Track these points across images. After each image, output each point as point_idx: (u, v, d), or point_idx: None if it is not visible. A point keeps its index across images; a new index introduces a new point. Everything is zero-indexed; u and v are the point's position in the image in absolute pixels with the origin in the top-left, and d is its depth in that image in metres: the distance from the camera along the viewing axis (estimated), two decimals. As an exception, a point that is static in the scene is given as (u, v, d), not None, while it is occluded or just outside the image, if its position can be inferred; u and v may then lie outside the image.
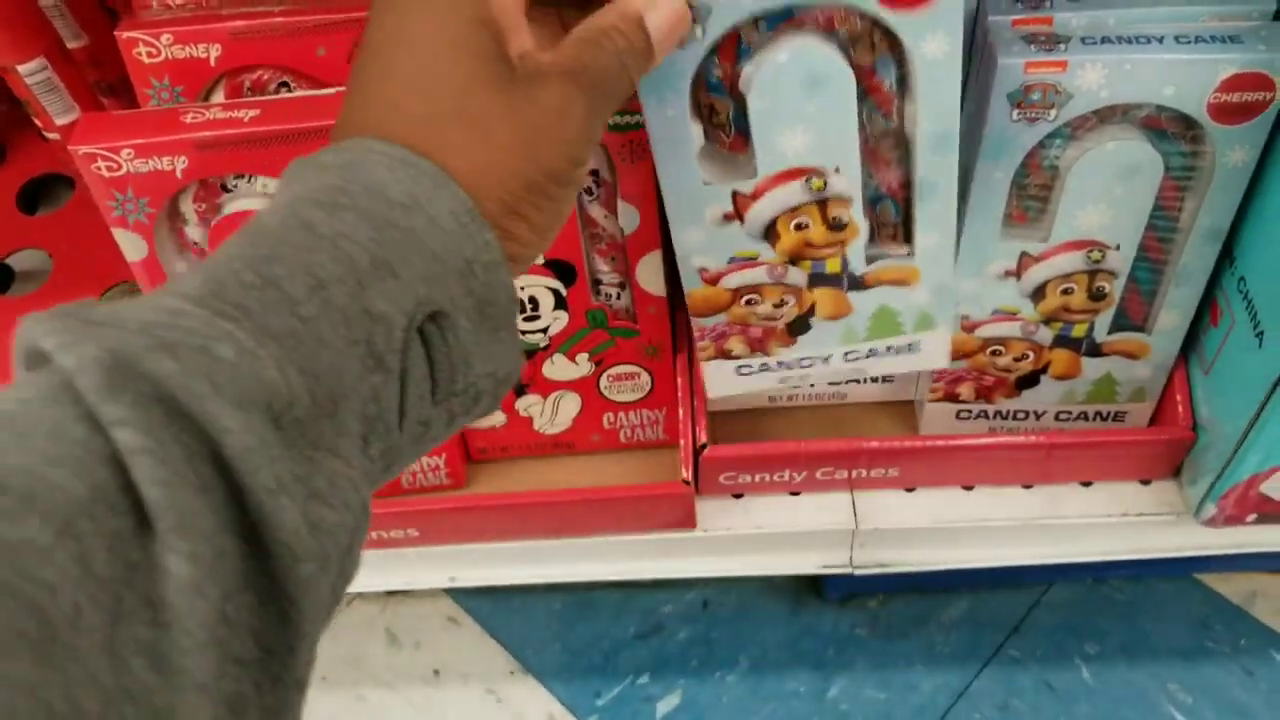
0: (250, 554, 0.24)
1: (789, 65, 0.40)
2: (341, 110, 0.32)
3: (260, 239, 0.27)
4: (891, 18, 0.39)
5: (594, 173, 0.50)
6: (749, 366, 0.53)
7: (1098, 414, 0.59)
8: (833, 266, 0.48)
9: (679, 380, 0.58)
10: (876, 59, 0.41)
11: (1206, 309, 0.54)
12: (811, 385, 0.59)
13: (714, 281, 0.49)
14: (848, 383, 0.62)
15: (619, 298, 0.56)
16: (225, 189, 0.48)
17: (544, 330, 0.56)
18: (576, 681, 0.79)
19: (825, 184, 0.44)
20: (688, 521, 0.60)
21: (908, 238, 0.48)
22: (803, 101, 0.42)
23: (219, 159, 0.45)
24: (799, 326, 0.51)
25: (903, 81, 0.42)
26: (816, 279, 0.49)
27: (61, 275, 0.65)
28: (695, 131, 0.43)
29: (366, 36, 0.32)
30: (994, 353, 0.56)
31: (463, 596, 0.83)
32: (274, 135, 0.44)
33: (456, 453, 0.62)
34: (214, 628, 0.23)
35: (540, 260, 0.53)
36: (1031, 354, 0.56)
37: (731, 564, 0.64)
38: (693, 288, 0.49)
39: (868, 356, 0.52)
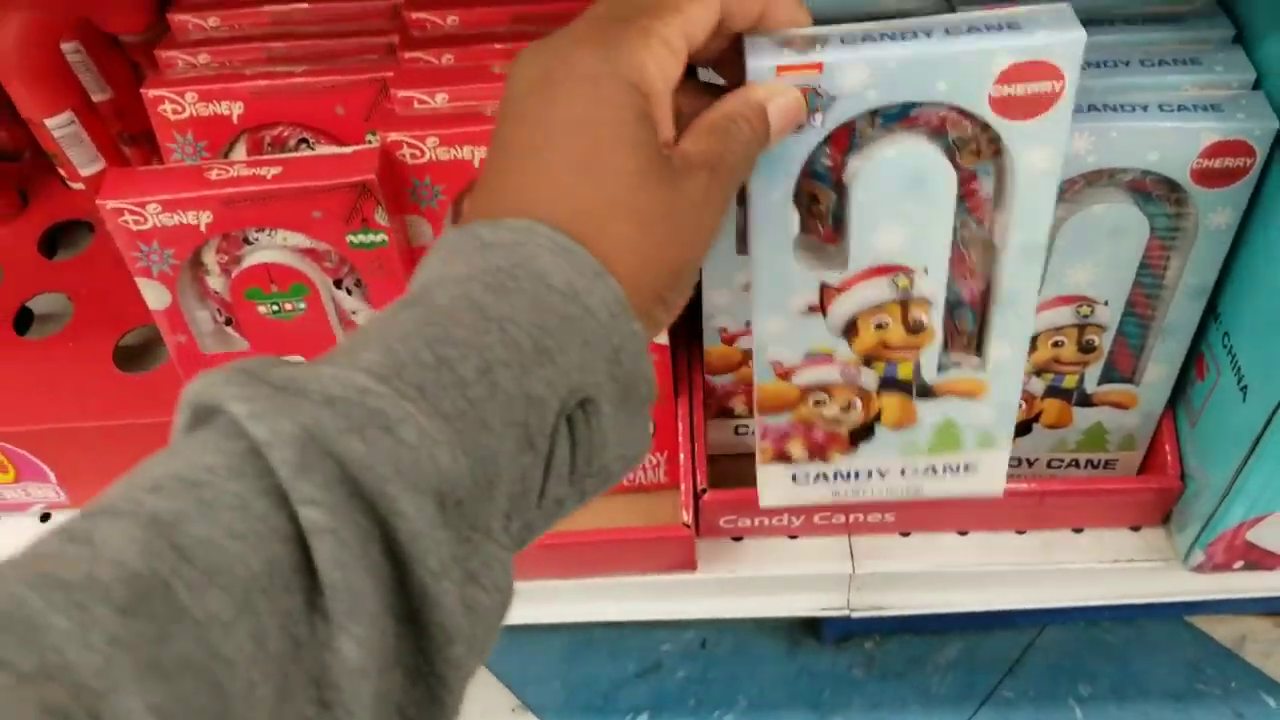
0: (404, 633, 0.25)
1: (896, 161, 0.41)
2: (487, 180, 0.32)
3: (433, 316, 0.28)
4: (1002, 125, 0.40)
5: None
6: (805, 475, 0.53)
7: (1088, 462, 0.61)
8: (905, 372, 0.48)
9: (680, 425, 0.60)
10: (978, 165, 0.42)
11: (1193, 362, 0.55)
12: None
13: (786, 376, 0.48)
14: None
15: (623, 346, 0.57)
16: (247, 241, 0.50)
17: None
18: (576, 719, 0.80)
19: (911, 283, 0.45)
20: (688, 564, 0.61)
21: (978, 349, 0.48)
22: (904, 198, 0.42)
23: (242, 214, 0.47)
24: (863, 433, 0.51)
25: (998, 193, 0.43)
26: (887, 383, 0.49)
27: (81, 318, 0.66)
28: (794, 218, 0.43)
29: (516, 113, 0.32)
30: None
31: (465, 634, 0.84)
32: (295, 192, 0.46)
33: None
34: (373, 708, 0.23)
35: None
36: (1024, 404, 0.57)
37: (731, 605, 0.64)
38: (764, 381, 0.49)
39: (925, 473, 0.52)
